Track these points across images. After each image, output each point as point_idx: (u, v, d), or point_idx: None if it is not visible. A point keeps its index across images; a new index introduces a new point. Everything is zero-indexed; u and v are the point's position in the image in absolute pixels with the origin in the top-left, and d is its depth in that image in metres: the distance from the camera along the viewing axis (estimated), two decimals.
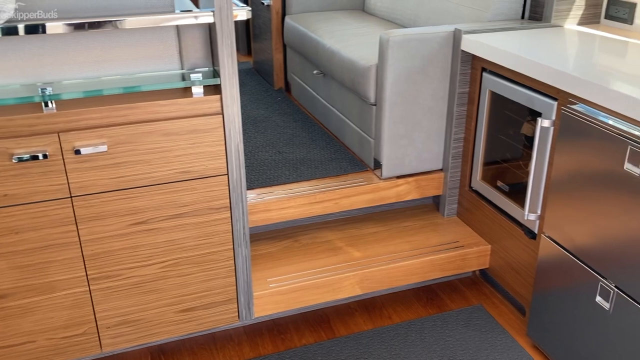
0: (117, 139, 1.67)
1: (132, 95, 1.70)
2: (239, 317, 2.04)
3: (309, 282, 2.08)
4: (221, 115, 1.74)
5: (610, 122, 1.58)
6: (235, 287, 1.98)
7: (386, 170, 2.35)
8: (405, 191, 2.40)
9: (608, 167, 1.59)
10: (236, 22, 1.85)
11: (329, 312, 2.25)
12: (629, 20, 2.24)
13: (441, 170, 2.44)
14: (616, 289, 1.62)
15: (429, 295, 2.34)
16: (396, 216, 2.50)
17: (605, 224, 1.63)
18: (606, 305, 1.66)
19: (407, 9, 2.93)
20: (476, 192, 2.34)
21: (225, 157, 1.79)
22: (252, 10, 3.76)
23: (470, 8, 2.46)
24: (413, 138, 2.34)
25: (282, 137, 2.74)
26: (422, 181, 2.41)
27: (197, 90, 1.72)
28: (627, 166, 1.52)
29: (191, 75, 1.72)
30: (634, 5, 2.21)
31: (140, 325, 1.92)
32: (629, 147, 1.51)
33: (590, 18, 2.35)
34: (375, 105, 2.33)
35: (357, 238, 2.34)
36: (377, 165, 2.37)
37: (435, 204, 2.57)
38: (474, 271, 2.43)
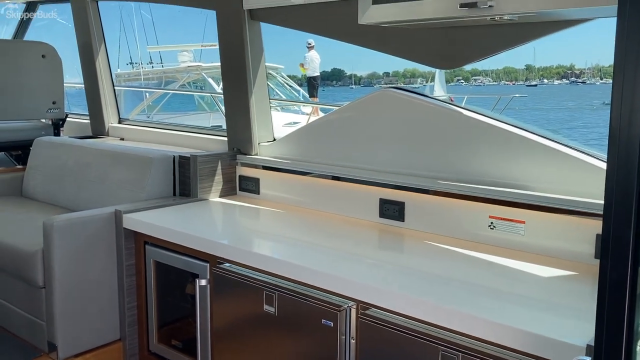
0: None
1: None
2: None
3: None
4: None
5: (250, 274, 2.00)
6: None
7: (62, 352, 2.36)
8: None
9: (252, 310, 1.98)
10: None
11: None
12: (256, 191, 2.85)
13: (120, 340, 2.55)
14: None
15: None
16: None
17: (260, 357, 1.99)
18: None
19: (67, 193, 3.10)
20: (155, 354, 2.51)
21: None
22: None
23: (127, 190, 2.79)
24: (88, 313, 2.42)
25: None
26: (101, 355, 2.48)
27: None
28: (266, 307, 1.94)
29: None
30: (258, 180, 2.84)
31: None
32: (264, 292, 1.94)
33: (228, 191, 2.90)
34: (44, 288, 2.37)
35: None
36: (52, 347, 2.36)
37: None
38: None
